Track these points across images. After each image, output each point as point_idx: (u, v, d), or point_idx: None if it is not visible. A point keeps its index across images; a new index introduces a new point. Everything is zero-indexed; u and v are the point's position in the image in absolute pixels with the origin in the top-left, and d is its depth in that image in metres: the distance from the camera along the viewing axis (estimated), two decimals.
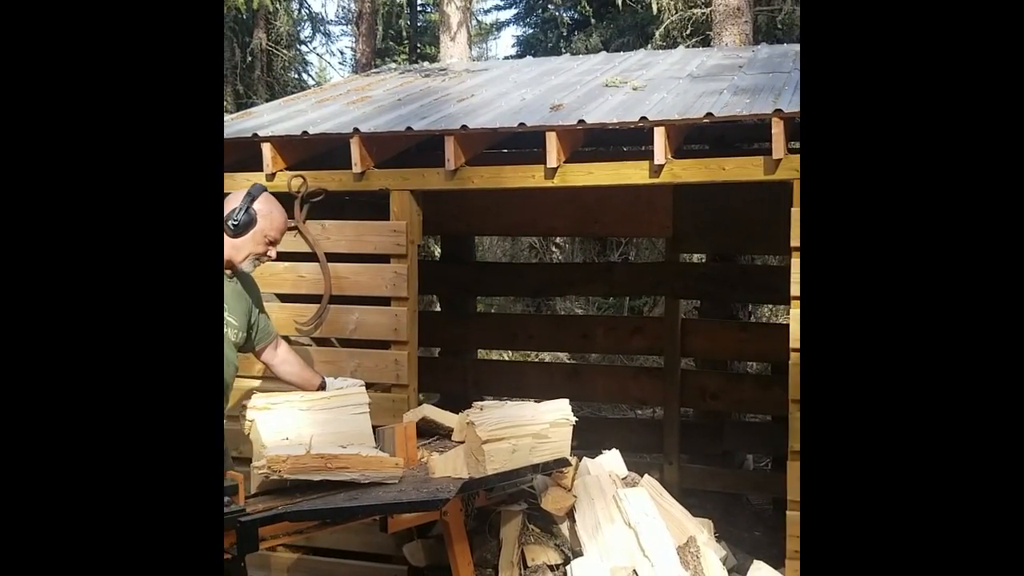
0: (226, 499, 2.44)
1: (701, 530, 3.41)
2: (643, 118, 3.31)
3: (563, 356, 8.54)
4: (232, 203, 2.80)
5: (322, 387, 3.09)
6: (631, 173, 3.43)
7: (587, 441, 3.37)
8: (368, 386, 3.22)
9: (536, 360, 8.48)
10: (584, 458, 3.58)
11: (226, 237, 2.75)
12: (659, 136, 3.28)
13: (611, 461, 3.63)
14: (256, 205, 2.79)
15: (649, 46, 9.61)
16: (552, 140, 3.42)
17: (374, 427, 3.06)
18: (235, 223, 2.74)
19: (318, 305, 3.78)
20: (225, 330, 2.81)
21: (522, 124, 3.48)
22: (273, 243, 2.84)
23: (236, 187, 3.94)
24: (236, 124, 4.20)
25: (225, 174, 3.97)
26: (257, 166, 3.85)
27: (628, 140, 5.12)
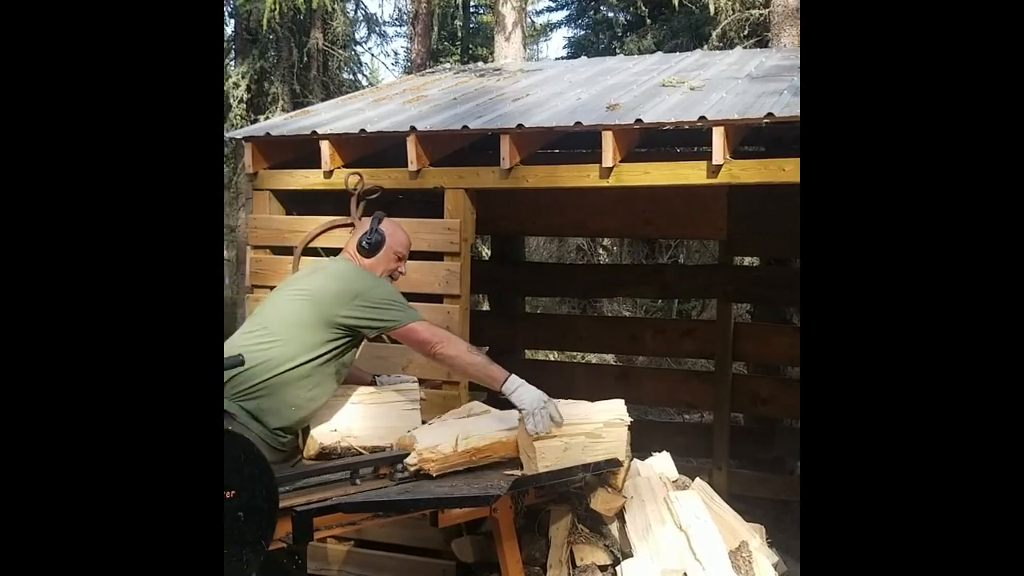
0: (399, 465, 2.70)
1: (753, 535, 3.36)
2: (702, 117, 3.28)
3: (609, 358, 8.50)
4: (361, 230, 3.06)
5: (371, 384, 3.17)
6: (688, 173, 3.40)
7: (633, 444, 3.37)
8: (419, 383, 3.26)
9: (583, 361, 8.45)
10: (634, 460, 3.56)
11: (362, 259, 3.00)
12: (718, 136, 3.25)
13: (661, 463, 3.60)
14: (382, 227, 3.02)
15: (704, 47, 9.52)
16: (608, 139, 3.41)
17: (424, 423, 3.09)
18: (368, 242, 2.99)
19: None
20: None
21: (578, 123, 3.48)
22: (401, 258, 3.08)
23: (295, 182, 4.03)
24: (295, 122, 4.27)
25: (284, 170, 4.06)
26: (315, 163, 3.91)
27: (682, 141, 5.08)
